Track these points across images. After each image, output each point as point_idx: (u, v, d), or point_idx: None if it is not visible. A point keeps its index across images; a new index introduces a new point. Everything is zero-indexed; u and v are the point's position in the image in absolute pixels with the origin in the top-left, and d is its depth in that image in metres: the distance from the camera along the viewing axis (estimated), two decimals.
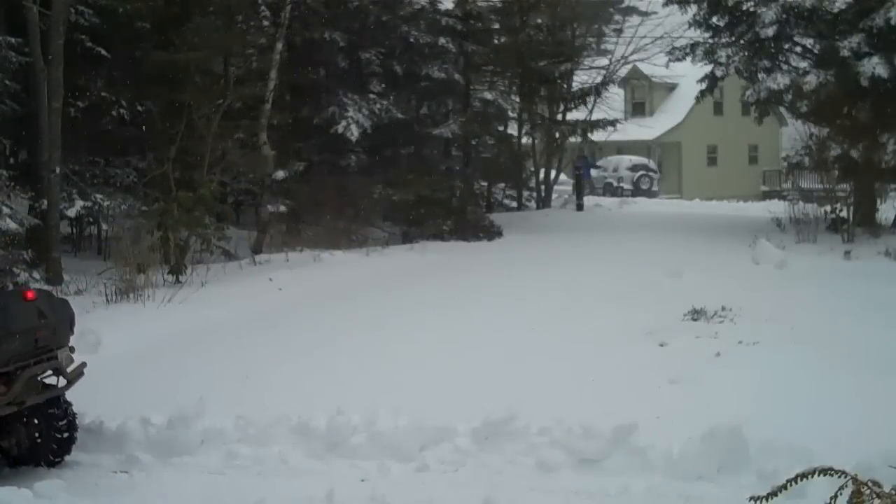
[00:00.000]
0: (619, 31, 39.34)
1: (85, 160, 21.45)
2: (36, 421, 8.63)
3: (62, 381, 8.74)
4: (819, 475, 4.38)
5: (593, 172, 44.96)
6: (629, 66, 41.61)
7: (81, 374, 8.82)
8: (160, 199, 19.52)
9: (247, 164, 22.84)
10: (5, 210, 16.73)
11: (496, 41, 29.39)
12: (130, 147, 23.05)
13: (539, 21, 30.29)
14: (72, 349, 8.76)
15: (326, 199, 22.95)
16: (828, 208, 21.22)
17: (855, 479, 4.34)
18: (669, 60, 26.85)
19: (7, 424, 8.42)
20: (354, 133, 23.67)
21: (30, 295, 8.36)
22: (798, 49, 23.38)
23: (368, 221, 24.09)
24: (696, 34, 24.68)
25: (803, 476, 4.43)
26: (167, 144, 20.87)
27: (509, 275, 17.21)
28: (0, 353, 7.88)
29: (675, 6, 24.69)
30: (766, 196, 40.34)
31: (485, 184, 29.90)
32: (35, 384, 8.45)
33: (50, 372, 8.60)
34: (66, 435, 8.82)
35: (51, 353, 8.44)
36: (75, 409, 9.42)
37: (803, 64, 22.79)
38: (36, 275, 17.01)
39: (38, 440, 8.72)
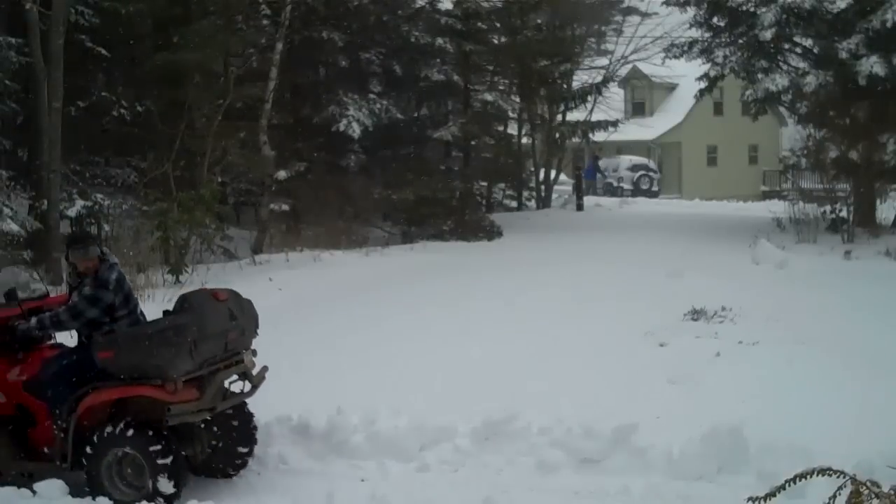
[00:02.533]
0: (619, 32, 39.32)
1: (85, 160, 21.48)
2: (215, 428, 8.35)
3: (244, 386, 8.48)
4: (819, 475, 4.39)
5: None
6: (629, 66, 41.62)
7: (263, 378, 8.53)
8: (160, 199, 19.52)
9: (247, 163, 22.86)
10: (6, 211, 16.75)
11: (496, 41, 29.39)
12: (130, 147, 23.06)
13: (539, 21, 30.29)
14: (254, 352, 8.50)
15: (326, 198, 22.97)
16: (828, 208, 21.22)
17: (854, 479, 4.35)
18: (665, 58, 26.88)
19: (191, 431, 8.09)
20: (356, 131, 23.68)
21: (221, 295, 8.13)
22: (798, 50, 23.39)
23: (368, 221, 24.10)
24: (697, 34, 24.69)
25: (803, 476, 4.45)
26: (167, 144, 20.87)
27: (509, 275, 17.21)
28: (195, 356, 7.65)
29: (675, 7, 24.72)
30: (766, 196, 40.33)
31: (485, 184, 29.89)
32: (223, 389, 8.24)
33: (235, 376, 8.34)
34: (247, 445, 8.51)
35: (238, 357, 8.23)
36: None
37: (802, 64, 22.79)
38: (36, 275, 17.01)
39: (220, 449, 8.43)
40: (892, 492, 4.37)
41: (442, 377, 10.54)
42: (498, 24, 28.73)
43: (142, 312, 8.40)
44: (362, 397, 9.63)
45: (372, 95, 25.70)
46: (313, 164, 24.83)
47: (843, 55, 20.20)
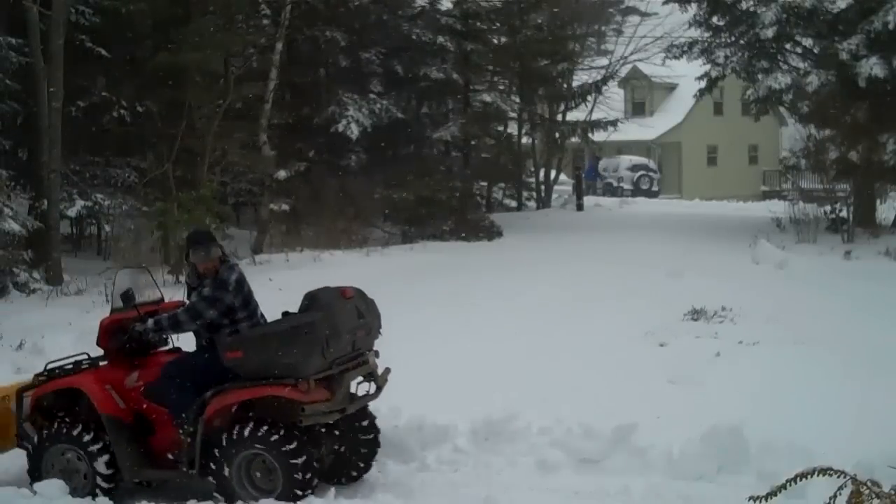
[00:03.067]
0: (619, 32, 39.34)
1: (85, 160, 21.48)
2: (337, 432, 8.03)
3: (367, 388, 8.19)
4: (819, 475, 4.38)
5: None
6: (629, 66, 41.61)
7: (387, 380, 8.24)
8: (160, 199, 19.54)
9: (247, 163, 22.86)
10: (7, 211, 16.75)
11: (496, 41, 29.40)
12: (131, 147, 23.06)
13: (539, 21, 30.30)
14: (376, 353, 8.23)
15: (327, 198, 22.96)
16: (827, 208, 21.22)
17: (854, 479, 4.35)
18: (666, 58, 26.88)
19: (316, 434, 7.80)
20: (355, 131, 23.69)
21: (348, 293, 7.87)
22: (798, 50, 23.40)
23: (368, 221, 24.09)
24: (697, 33, 24.70)
25: (803, 476, 4.44)
26: (167, 144, 20.88)
27: (509, 275, 17.20)
28: (327, 354, 7.44)
29: (676, 5, 24.73)
30: (766, 196, 40.31)
31: (485, 184, 29.89)
32: (350, 390, 7.95)
33: (360, 378, 8.04)
34: (370, 448, 8.27)
35: (363, 357, 8.00)
36: None
37: (803, 64, 22.80)
38: (36, 275, 17.03)
39: (342, 453, 8.17)
40: (892, 492, 4.37)
41: (442, 377, 10.54)
42: (498, 24, 28.75)
43: (262, 315, 8.12)
44: None
45: (372, 95, 25.71)
46: (313, 164, 24.84)
47: (844, 56, 20.20)
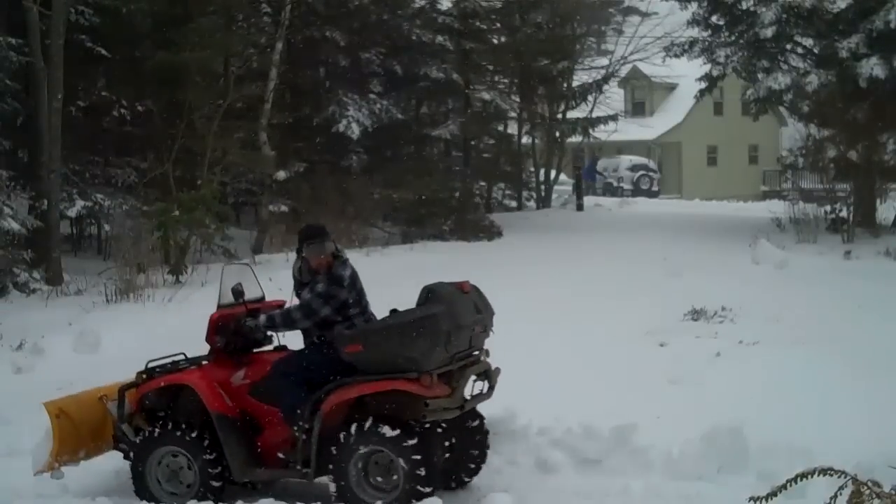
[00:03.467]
0: (619, 31, 39.31)
1: (85, 160, 21.47)
2: (448, 432, 7.69)
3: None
4: (819, 475, 4.38)
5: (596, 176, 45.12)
6: (629, 66, 41.60)
7: (497, 380, 8.01)
8: (160, 198, 19.53)
9: (247, 163, 22.86)
10: (6, 210, 16.75)
11: (495, 40, 29.41)
12: (131, 147, 23.06)
13: (539, 20, 30.30)
14: (486, 352, 7.99)
15: (327, 198, 22.95)
16: (828, 208, 21.22)
17: (855, 479, 4.35)
18: (666, 57, 26.87)
19: (435, 432, 7.50)
20: (355, 131, 23.69)
21: (466, 287, 7.66)
22: (799, 50, 23.39)
23: (369, 221, 24.08)
24: (696, 32, 24.69)
25: (803, 476, 4.44)
26: (167, 144, 20.88)
27: (509, 275, 17.18)
28: (450, 348, 7.25)
29: (676, 4, 24.74)
30: (766, 196, 40.28)
31: (484, 184, 29.90)
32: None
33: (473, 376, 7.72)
34: (480, 450, 8.08)
35: (477, 354, 7.82)
36: None
37: (803, 64, 22.80)
38: (36, 275, 17.03)
39: (452, 454, 7.95)
40: (893, 492, 4.37)
41: None
42: (498, 23, 28.76)
43: (372, 312, 7.97)
44: None
45: (372, 95, 25.71)
46: (313, 164, 24.84)
47: (844, 55, 20.20)
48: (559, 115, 31.95)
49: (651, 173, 48.63)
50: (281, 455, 7.60)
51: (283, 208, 23.37)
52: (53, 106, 17.71)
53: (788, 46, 23.28)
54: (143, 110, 21.46)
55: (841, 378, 9.95)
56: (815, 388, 9.70)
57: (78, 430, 7.99)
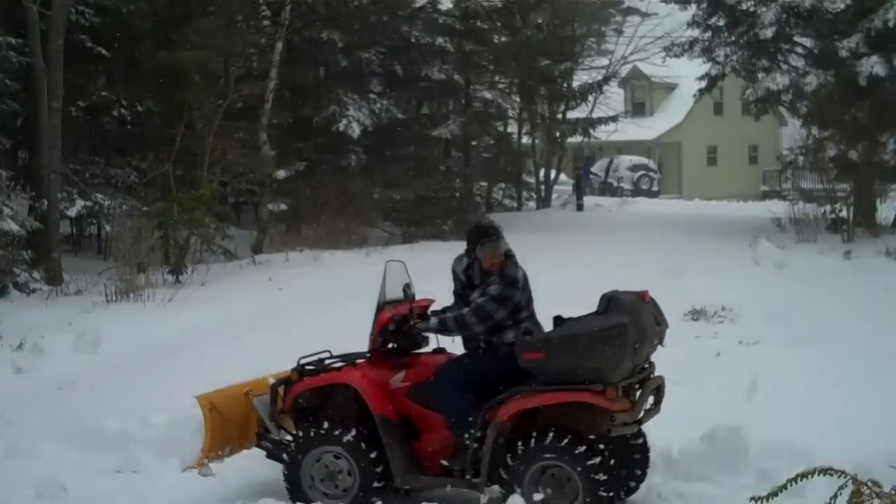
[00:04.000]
0: (619, 32, 39.35)
1: (85, 160, 21.46)
2: (613, 447, 7.14)
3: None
4: (819, 475, 4.38)
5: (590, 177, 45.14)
6: (629, 66, 41.63)
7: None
8: (160, 198, 19.53)
9: (247, 163, 22.85)
10: (6, 211, 16.74)
11: (496, 41, 29.42)
12: (131, 147, 23.05)
13: (539, 20, 30.32)
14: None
15: (327, 198, 22.99)
16: (828, 208, 21.23)
17: (855, 479, 4.35)
18: (666, 56, 26.89)
19: (610, 450, 7.03)
20: (356, 130, 23.70)
21: (646, 297, 7.28)
22: (798, 49, 23.41)
23: (368, 221, 24.11)
24: (696, 33, 24.71)
25: (803, 476, 4.44)
26: (167, 144, 20.88)
27: None
28: (635, 360, 6.93)
29: (675, 5, 24.74)
30: (766, 196, 40.29)
31: (485, 184, 29.91)
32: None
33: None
34: (643, 468, 7.62)
35: (652, 367, 7.49)
36: (76, 407, 9.41)
37: (802, 64, 22.82)
38: (36, 275, 17.03)
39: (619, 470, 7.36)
40: (893, 492, 4.37)
41: None
42: (498, 24, 28.77)
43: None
44: None
45: (372, 95, 25.72)
46: (313, 163, 24.84)
47: (844, 55, 20.22)
48: (559, 116, 31.97)
49: (651, 173, 48.63)
50: (444, 462, 7.28)
51: (283, 208, 23.37)
52: (53, 106, 17.70)
53: (788, 46, 23.30)
54: (143, 110, 21.46)
55: (841, 378, 9.95)
56: (814, 387, 9.70)
57: (226, 425, 7.84)
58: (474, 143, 28.34)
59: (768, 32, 21.59)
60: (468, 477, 7.14)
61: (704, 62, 24.75)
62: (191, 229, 18.38)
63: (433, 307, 7.98)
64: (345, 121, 23.76)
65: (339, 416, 7.58)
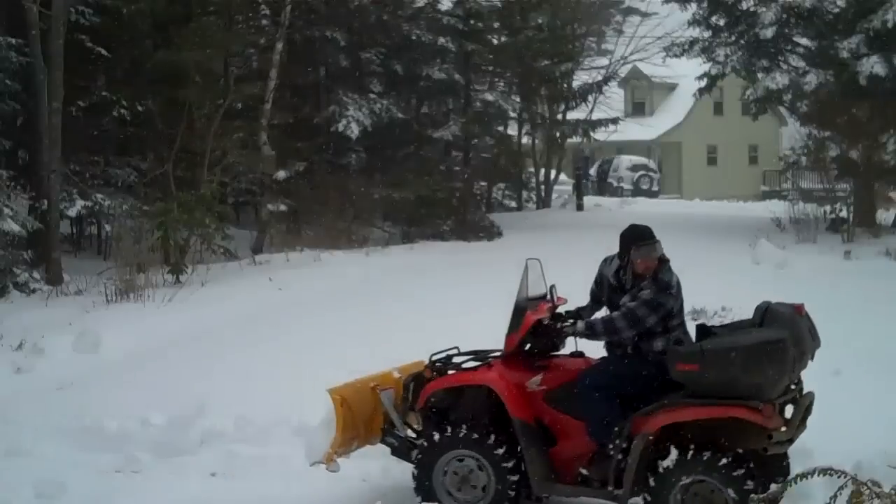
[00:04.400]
0: (619, 32, 39.38)
1: (85, 160, 21.44)
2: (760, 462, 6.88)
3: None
4: (819, 475, 4.38)
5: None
6: (629, 66, 41.64)
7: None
8: (160, 198, 19.53)
9: (247, 163, 22.85)
10: (6, 211, 16.73)
11: (496, 41, 29.43)
12: (131, 147, 23.04)
13: (539, 21, 30.32)
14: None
15: (327, 198, 22.98)
16: (827, 208, 21.24)
17: (855, 479, 4.34)
18: (666, 56, 26.90)
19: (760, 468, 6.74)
20: (355, 131, 23.69)
21: (802, 310, 6.99)
22: (798, 49, 23.41)
23: (369, 221, 24.10)
24: (696, 33, 24.72)
25: (803, 476, 4.44)
26: (168, 144, 20.88)
27: (509, 275, 17.16)
28: (792, 376, 6.72)
29: (676, 5, 24.74)
30: (766, 196, 40.32)
31: (485, 184, 29.92)
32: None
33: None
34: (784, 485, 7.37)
35: (801, 383, 7.18)
36: (76, 407, 9.40)
37: (802, 64, 22.83)
38: (36, 275, 17.02)
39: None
40: (892, 492, 4.37)
41: None
42: (498, 24, 28.77)
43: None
44: None
45: (372, 95, 25.72)
46: (313, 163, 24.85)
47: (844, 55, 20.23)
48: (559, 116, 31.99)
49: (651, 173, 48.63)
50: (583, 471, 7.07)
51: (283, 208, 23.37)
52: (53, 106, 17.69)
53: (788, 46, 23.31)
54: (143, 110, 21.43)
55: (841, 378, 9.94)
56: (814, 387, 9.68)
57: (355, 419, 7.61)
58: (474, 143, 28.34)
59: (768, 32, 21.60)
60: (610, 488, 6.90)
61: (704, 62, 24.75)
62: (191, 229, 18.37)
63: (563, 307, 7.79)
64: (345, 121, 23.75)
65: (472, 417, 7.38)
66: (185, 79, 21.04)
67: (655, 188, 47.56)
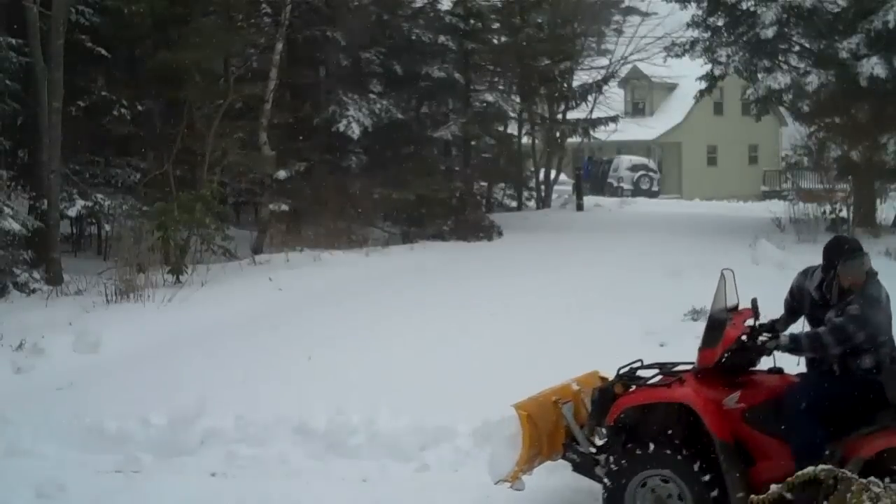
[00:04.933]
0: (619, 32, 39.38)
1: (85, 160, 21.43)
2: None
3: None
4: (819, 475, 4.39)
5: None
6: (629, 67, 41.65)
7: None
8: (160, 198, 19.52)
9: (247, 163, 22.84)
10: (6, 210, 16.73)
11: (496, 40, 29.42)
12: (131, 147, 23.01)
13: (539, 20, 30.33)
14: None
15: (327, 198, 22.96)
16: (827, 208, 21.24)
17: (855, 479, 4.35)
18: (667, 56, 26.90)
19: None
20: (355, 131, 23.68)
21: None
22: (797, 49, 23.41)
23: (369, 221, 24.10)
24: (696, 33, 24.71)
25: (803, 476, 4.45)
26: (168, 144, 20.87)
27: (509, 275, 17.21)
28: None
29: (676, 5, 24.73)
30: (766, 196, 40.34)
31: (485, 184, 29.92)
32: None
33: None
34: None
35: None
36: (76, 407, 9.40)
37: (802, 64, 22.83)
38: (36, 275, 17.02)
39: None
40: (892, 492, 4.38)
41: (442, 377, 10.54)
42: (498, 24, 28.78)
43: None
44: (362, 397, 9.64)
45: (372, 95, 25.71)
46: (313, 163, 24.82)
47: (844, 55, 20.23)
48: (559, 116, 32.00)
49: (651, 173, 48.64)
50: (787, 495, 6.63)
51: (284, 208, 23.36)
52: (53, 106, 17.68)
53: (787, 46, 23.31)
54: (143, 110, 21.44)
55: None
56: None
57: (539, 435, 7.30)
58: (474, 143, 28.33)
59: (769, 32, 21.59)
60: None
61: (705, 62, 24.75)
62: (191, 229, 18.37)
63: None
64: (345, 121, 23.74)
65: (665, 435, 7.02)
66: (185, 79, 21.04)
67: (655, 188, 47.56)
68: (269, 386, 10.51)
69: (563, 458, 7.51)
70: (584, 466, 7.39)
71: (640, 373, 7.49)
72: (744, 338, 7.15)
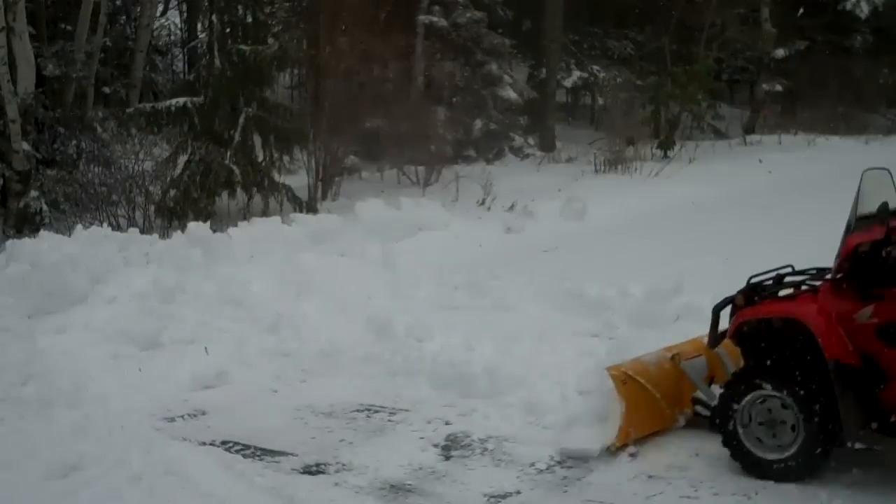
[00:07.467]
0: None
1: (584, 31, 21.76)
2: None
3: None
4: None
5: None
6: None
7: None
8: (654, 72, 19.46)
9: (745, 40, 22.13)
10: (506, 79, 17.43)
11: None
12: (628, 19, 23.05)
13: None
14: None
15: (826, 81, 21.77)
16: None
17: None
18: None
19: None
20: (864, 10, 22.19)
21: None
22: None
23: (871, 107, 22.63)
24: None
25: None
26: (665, 17, 20.66)
27: None
28: None
29: None
30: None
31: None
32: None
33: None
34: None
35: None
36: (559, 271, 9.65)
37: None
38: (530, 140, 17.67)
39: None
40: None
41: None
42: None
43: None
44: None
45: None
46: (815, 43, 23.56)
47: None
48: None
49: None
50: None
51: (779, 88, 22.46)
52: None
53: None
54: None
55: None
56: None
57: (649, 396, 6.70)
58: None
59: None
60: None
61: None
62: (682, 105, 18.19)
63: None
64: None
65: (788, 353, 6.20)
66: None
67: None
68: (748, 268, 10.21)
69: (697, 415, 6.69)
70: (716, 423, 6.36)
71: (789, 279, 6.45)
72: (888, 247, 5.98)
